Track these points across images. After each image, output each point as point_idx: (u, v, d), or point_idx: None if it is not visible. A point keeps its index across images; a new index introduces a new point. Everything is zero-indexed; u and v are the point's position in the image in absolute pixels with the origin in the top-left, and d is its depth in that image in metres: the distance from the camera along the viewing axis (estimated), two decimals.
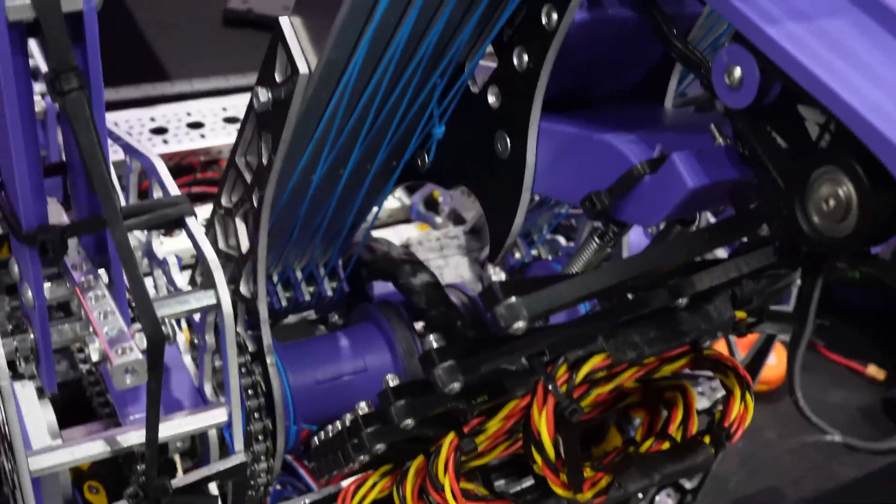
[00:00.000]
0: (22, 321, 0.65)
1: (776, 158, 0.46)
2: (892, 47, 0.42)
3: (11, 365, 0.69)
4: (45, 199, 0.56)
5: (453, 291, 0.83)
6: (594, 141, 0.55)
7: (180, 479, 0.66)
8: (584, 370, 0.56)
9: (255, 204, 0.67)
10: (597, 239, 0.57)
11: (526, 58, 0.56)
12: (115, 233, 0.51)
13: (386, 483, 0.69)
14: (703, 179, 0.50)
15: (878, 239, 0.43)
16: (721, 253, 0.64)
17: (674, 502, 1.02)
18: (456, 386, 0.55)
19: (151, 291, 0.80)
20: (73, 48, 0.50)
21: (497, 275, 0.54)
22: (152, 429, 0.59)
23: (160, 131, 1.24)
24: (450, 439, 0.63)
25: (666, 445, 0.67)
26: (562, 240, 0.91)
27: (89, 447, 0.64)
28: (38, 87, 1.07)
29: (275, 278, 0.79)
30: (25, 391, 0.68)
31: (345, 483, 0.71)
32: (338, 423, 0.66)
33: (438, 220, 1.14)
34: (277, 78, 0.60)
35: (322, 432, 0.67)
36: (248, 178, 0.68)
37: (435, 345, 0.55)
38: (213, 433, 0.71)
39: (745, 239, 0.53)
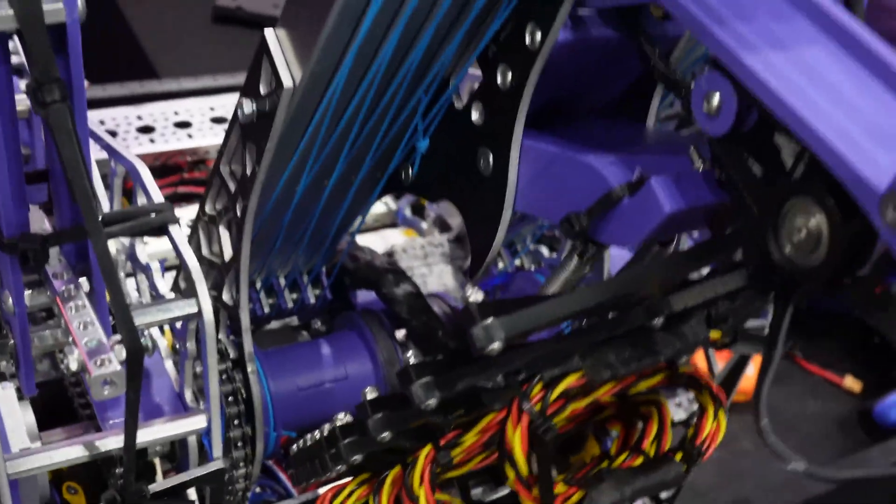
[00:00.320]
0: (3, 325, 0.66)
1: (751, 185, 0.47)
2: (863, 79, 0.43)
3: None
4: (26, 208, 0.56)
5: (435, 301, 0.84)
6: (575, 161, 0.55)
7: (158, 485, 0.66)
8: (559, 389, 0.56)
9: (239, 213, 0.68)
10: (576, 257, 0.58)
11: (509, 75, 0.57)
12: (96, 245, 0.51)
13: (363, 492, 0.70)
14: (680, 204, 0.50)
15: (848, 270, 0.44)
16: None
17: None
18: (432, 402, 0.56)
19: (134, 296, 0.80)
20: (56, 59, 0.50)
21: (474, 294, 0.54)
22: (130, 437, 0.59)
23: (147, 130, 1.24)
24: (426, 452, 0.63)
25: (640, 460, 0.68)
26: (545, 250, 0.92)
27: (67, 451, 0.64)
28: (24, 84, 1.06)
29: (258, 285, 0.79)
30: (5, 392, 0.68)
31: (322, 490, 0.71)
32: (316, 433, 0.66)
33: (424, 225, 1.14)
34: (262, 90, 0.60)
35: (301, 441, 0.68)
36: (231, 187, 0.68)
37: (412, 360, 0.56)
38: (192, 438, 0.71)
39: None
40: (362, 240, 1.11)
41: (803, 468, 0.51)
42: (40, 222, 0.60)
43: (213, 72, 1.37)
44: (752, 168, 0.47)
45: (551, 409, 0.62)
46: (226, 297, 0.73)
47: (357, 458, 0.64)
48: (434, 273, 0.97)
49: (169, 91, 1.33)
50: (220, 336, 0.75)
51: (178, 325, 0.69)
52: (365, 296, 0.86)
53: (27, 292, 0.59)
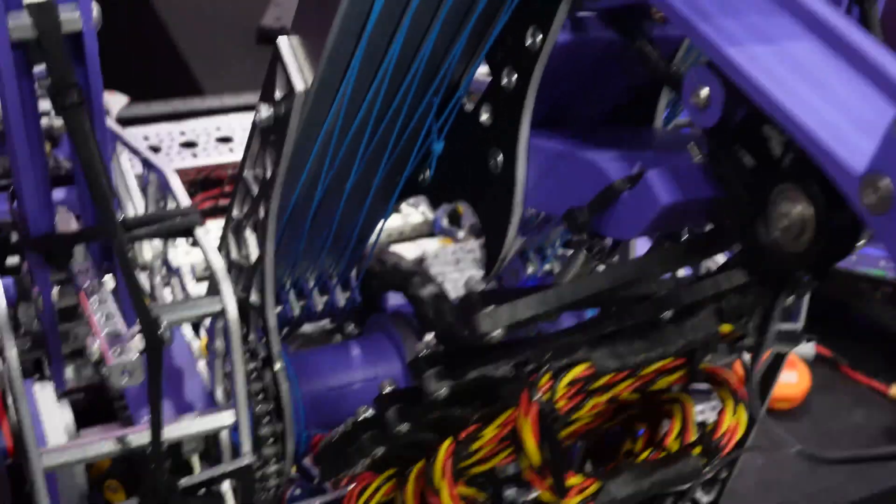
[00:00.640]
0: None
1: (742, 176, 0.47)
2: (845, 72, 0.43)
3: (38, 365, 0.73)
4: (52, 209, 0.59)
5: None
6: (577, 158, 0.56)
7: (188, 479, 0.68)
8: (567, 379, 0.57)
9: (262, 215, 0.70)
10: (584, 251, 0.59)
11: (514, 77, 0.58)
12: (115, 240, 0.53)
13: (389, 487, 0.71)
14: (676, 196, 0.51)
15: (835, 255, 0.45)
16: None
17: None
18: (443, 392, 0.57)
19: (168, 298, 0.83)
20: (74, 65, 0.53)
21: (478, 285, 0.56)
22: (156, 427, 0.61)
23: (190, 145, 1.28)
24: (446, 445, 0.65)
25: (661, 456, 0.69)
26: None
27: (100, 445, 0.66)
28: None
29: (288, 287, 0.81)
30: (45, 392, 0.71)
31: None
32: (340, 427, 0.68)
33: (461, 234, 1.16)
34: (277, 95, 0.63)
35: (327, 436, 0.70)
36: (254, 190, 0.70)
37: (424, 351, 0.57)
38: (224, 436, 0.73)
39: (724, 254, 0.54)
40: (399, 249, 1.14)
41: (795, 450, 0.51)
42: (68, 223, 0.62)
43: (254, 89, 1.40)
44: (743, 159, 0.48)
45: (571, 404, 0.63)
46: (254, 298, 0.75)
47: (378, 451, 0.65)
48: (465, 278, 0.98)
49: (211, 108, 1.36)
50: (252, 337, 0.77)
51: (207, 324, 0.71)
52: (396, 299, 0.88)
53: (55, 289, 0.62)
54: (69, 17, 0.53)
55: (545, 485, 0.61)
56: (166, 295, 0.84)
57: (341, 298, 0.83)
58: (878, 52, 0.42)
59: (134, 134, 1.30)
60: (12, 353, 0.58)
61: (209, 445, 0.76)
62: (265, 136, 0.67)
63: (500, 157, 0.61)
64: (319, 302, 0.82)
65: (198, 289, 0.79)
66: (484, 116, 0.62)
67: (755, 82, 0.44)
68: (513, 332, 0.53)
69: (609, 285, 0.51)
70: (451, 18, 0.57)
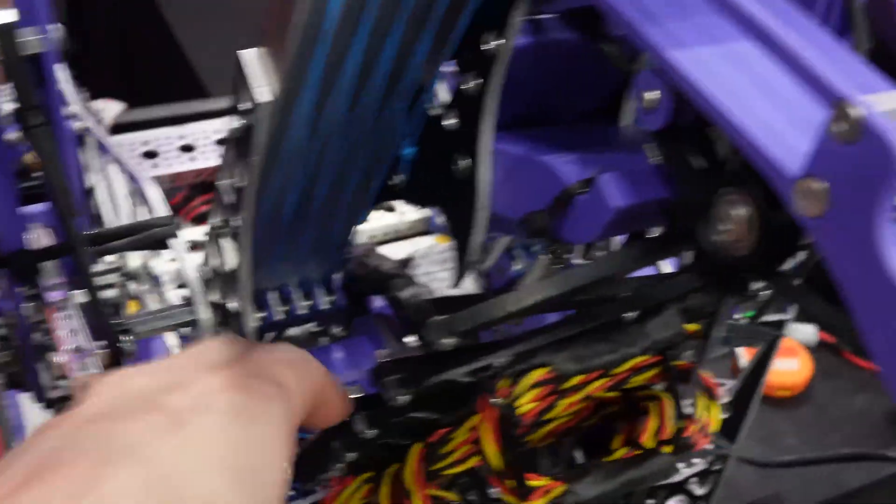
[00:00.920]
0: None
1: (689, 178, 0.47)
2: (785, 76, 0.43)
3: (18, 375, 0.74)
4: (20, 226, 0.60)
5: None
6: (535, 162, 0.57)
7: None
8: (526, 382, 0.57)
9: (237, 225, 0.70)
10: (548, 256, 0.59)
11: (475, 82, 0.58)
12: (76, 256, 0.54)
13: (367, 490, 0.72)
14: (629, 199, 0.51)
15: (779, 257, 0.45)
16: None
17: None
18: (404, 398, 0.57)
19: (153, 307, 0.84)
20: (36, 86, 0.54)
21: (427, 293, 0.56)
22: None
23: (188, 149, 1.29)
24: (417, 449, 0.65)
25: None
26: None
27: None
28: (64, 110, 1.12)
29: (271, 292, 0.82)
30: (26, 401, 0.72)
31: None
32: (313, 434, 0.68)
33: None
34: (244, 106, 0.63)
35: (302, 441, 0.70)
36: (230, 199, 0.71)
37: (384, 357, 0.58)
38: None
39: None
40: (395, 247, 1.14)
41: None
42: (41, 239, 0.63)
43: None
44: (691, 160, 0.48)
45: (542, 405, 0.63)
46: (231, 305, 0.76)
47: (351, 455, 0.66)
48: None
49: (210, 110, 1.37)
50: None
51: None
52: (382, 301, 0.88)
53: (27, 304, 0.62)
54: (30, 40, 0.53)
55: (507, 488, 0.61)
56: (151, 303, 0.85)
57: (324, 302, 0.83)
58: (813, 51, 0.41)
59: (132, 139, 1.31)
60: None
61: None
62: (236, 147, 0.67)
63: (465, 162, 0.61)
64: (302, 306, 0.83)
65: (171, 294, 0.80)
66: (450, 121, 0.62)
67: (696, 85, 0.44)
68: (471, 338, 0.53)
69: (563, 290, 0.51)
70: (410, 22, 0.58)
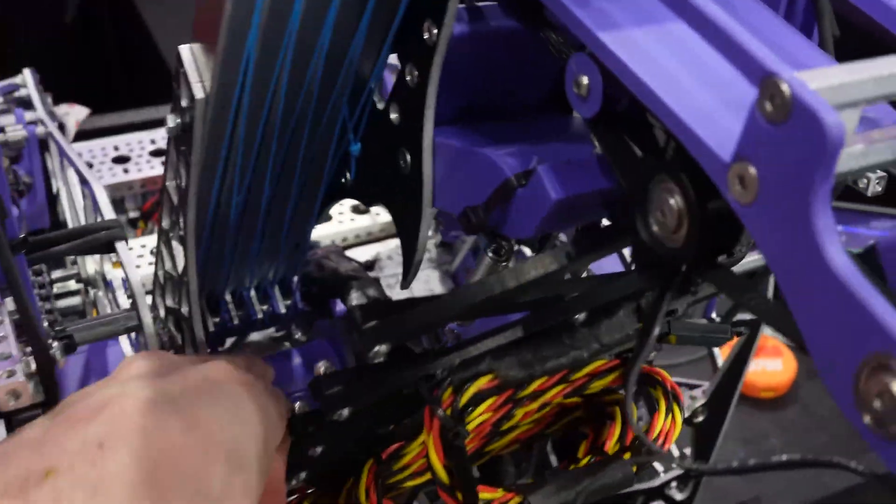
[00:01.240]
0: None
1: (627, 167, 0.45)
2: (717, 57, 0.41)
3: None
4: None
5: None
6: (476, 155, 0.54)
7: None
8: (469, 392, 0.55)
9: (182, 227, 0.68)
10: (491, 254, 0.56)
11: (416, 73, 0.56)
12: (2, 261, 0.52)
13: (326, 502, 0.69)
14: (569, 190, 0.49)
15: (717, 249, 0.42)
16: None
17: None
18: (344, 413, 0.55)
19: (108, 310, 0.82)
20: None
21: (359, 299, 0.54)
22: None
23: (160, 153, 1.27)
24: (368, 465, 0.63)
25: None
26: (527, 251, 0.90)
27: None
28: (29, 115, 1.10)
29: (227, 296, 0.80)
30: None
31: None
32: None
33: (430, 232, 1.14)
34: (183, 103, 0.61)
35: None
36: (175, 200, 0.69)
37: (322, 370, 0.55)
38: None
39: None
40: (368, 249, 1.12)
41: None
42: None
43: None
44: (629, 148, 0.45)
45: (500, 413, 0.60)
46: (184, 310, 0.73)
47: (302, 474, 0.64)
48: (420, 279, 0.96)
49: None
50: (188, 350, 0.76)
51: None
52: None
53: None
54: None
55: (455, 502, 0.58)
56: (106, 309, 0.82)
57: (282, 305, 0.81)
58: (745, 27, 0.39)
59: (103, 144, 1.29)
60: None
61: None
62: (177, 146, 0.65)
63: (409, 157, 0.59)
64: (259, 310, 0.80)
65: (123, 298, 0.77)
66: (393, 115, 0.60)
67: (626, 67, 0.42)
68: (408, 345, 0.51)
69: (500, 290, 0.49)
70: (344, 10, 0.55)
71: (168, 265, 0.76)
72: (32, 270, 0.84)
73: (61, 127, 1.04)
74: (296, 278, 0.81)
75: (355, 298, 0.74)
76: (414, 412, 0.60)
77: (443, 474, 0.57)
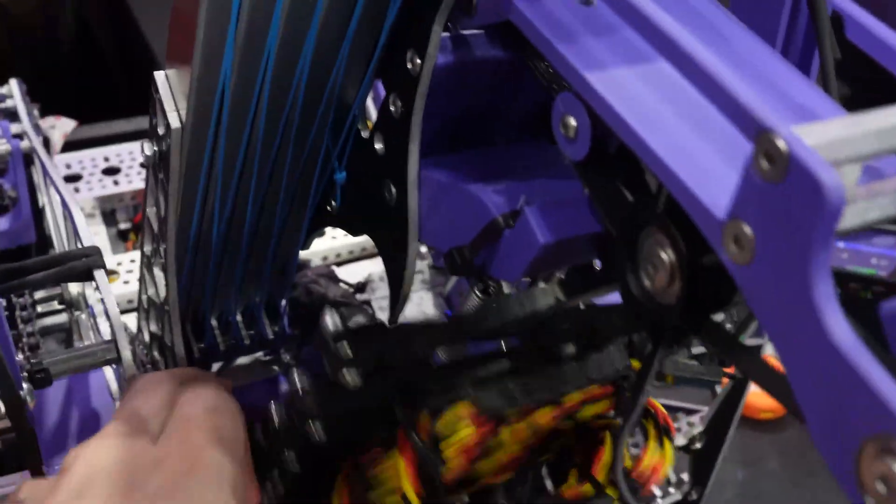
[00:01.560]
0: None
1: (616, 214, 0.43)
2: (709, 109, 0.38)
3: None
4: None
5: None
6: (461, 191, 0.52)
7: None
8: (446, 418, 0.53)
9: (162, 255, 0.66)
10: (478, 293, 0.54)
11: (399, 103, 0.54)
12: None
13: None
14: (557, 234, 0.47)
15: (711, 306, 0.40)
16: None
17: None
18: (318, 430, 0.53)
19: (91, 338, 0.80)
20: None
21: (333, 320, 0.52)
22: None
23: None
24: (342, 473, 0.61)
25: (587, 487, 0.64)
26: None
27: None
28: (15, 127, 1.08)
29: (214, 322, 0.77)
30: None
31: None
32: None
33: (423, 248, 1.11)
34: (160, 131, 0.59)
35: None
36: (155, 228, 0.67)
37: (298, 385, 0.54)
38: None
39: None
40: (360, 266, 1.10)
41: None
42: None
43: None
44: (618, 194, 0.43)
45: (482, 433, 0.58)
46: (167, 338, 0.71)
47: (280, 488, 0.62)
48: (413, 300, 0.94)
49: None
50: None
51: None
52: None
53: None
54: None
55: None
56: (89, 332, 0.80)
57: (270, 331, 0.79)
58: (738, 72, 0.37)
59: (93, 155, 1.27)
60: None
61: None
62: (155, 174, 0.63)
63: (394, 189, 0.57)
64: (246, 336, 0.78)
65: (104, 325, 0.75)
66: (378, 145, 0.58)
67: (616, 112, 0.39)
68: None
69: (484, 328, 0.47)
70: (323, 40, 0.53)
71: (151, 291, 0.74)
72: (13, 294, 0.82)
73: (46, 141, 1.02)
74: (284, 302, 0.79)
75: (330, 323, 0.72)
76: (391, 424, 0.58)
77: (415, 500, 0.55)
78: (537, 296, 0.46)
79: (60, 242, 0.96)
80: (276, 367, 0.88)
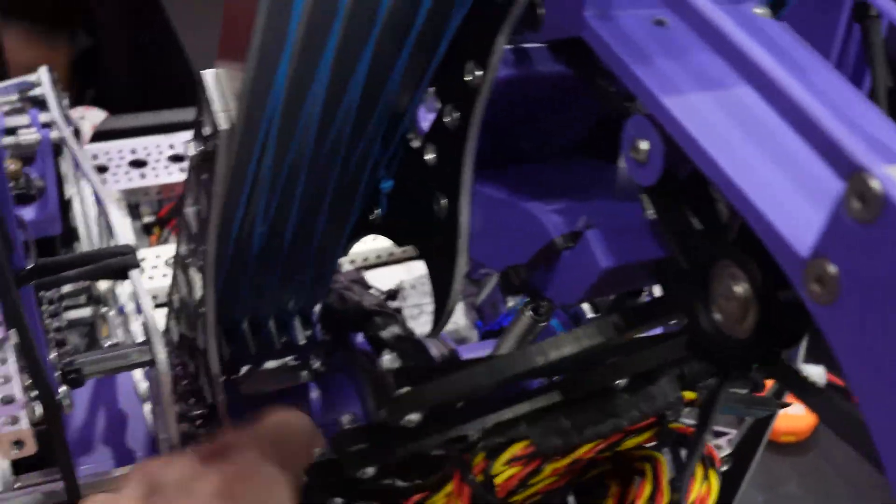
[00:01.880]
0: None
1: (685, 242, 0.42)
2: (793, 140, 0.37)
3: None
4: None
5: (434, 343, 0.80)
6: (518, 209, 0.51)
7: None
8: (503, 458, 0.52)
9: (201, 258, 0.65)
10: (530, 313, 0.53)
11: (456, 115, 0.53)
12: (3, 294, 0.49)
13: None
14: (619, 259, 0.45)
15: (786, 342, 0.39)
16: None
17: None
18: (369, 471, 0.52)
19: (118, 333, 0.79)
20: None
21: (391, 360, 0.51)
22: (72, 491, 0.57)
23: (178, 159, 1.24)
24: None
25: None
26: None
27: (22, 500, 0.62)
28: (44, 116, 1.07)
29: (245, 325, 0.76)
30: None
31: None
32: None
33: None
34: (205, 132, 0.58)
35: None
36: (194, 228, 0.66)
37: (347, 424, 0.52)
38: None
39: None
40: (389, 271, 1.09)
41: None
42: None
43: None
44: (688, 221, 0.42)
45: (527, 470, 0.57)
46: (199, 341, 0.70)
47: None
48: None
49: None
50: (203, 380, 0.73)
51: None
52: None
53: None
54: None
55: None
56: (117, 330, 0.80)
57: (301, 336, 0.78)
58: (825, 104, 0.35)
59: (120, 146, 1.26)
60: None
61: None
62: (198, 174, 0.62)
63: (445, 202, 0.56)
64: (278, 340, 0.77)
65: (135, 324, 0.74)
66: (429, 156, 0.57)
67: (694, 140, 0.38)
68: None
69: (545, 363, 0.45)
70: (381, 51, 0.52)
71: (184, 292, 0.73)
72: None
73: (77, 133, 1.01)
74: (316, 307, 0.78)
75: (388, 361, 0.70)
76: (439, 467, 0.57)
77: None
78: (594, 331, 0.45)
79: (88, 236, 0.95)
80: (304, 373, 0.87)
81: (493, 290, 0.92)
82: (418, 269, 1.09)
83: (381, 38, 0.51)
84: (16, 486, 0.66)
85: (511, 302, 0.87)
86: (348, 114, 0.55)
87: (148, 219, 1.25)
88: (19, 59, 1.61)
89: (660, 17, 0.44)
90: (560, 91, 0.53)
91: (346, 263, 1.04)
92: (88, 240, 0.93)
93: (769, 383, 0.83)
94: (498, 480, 0.55)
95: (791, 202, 0.36)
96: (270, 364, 0.85)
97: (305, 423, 0.58)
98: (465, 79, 0.51)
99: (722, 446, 0.92)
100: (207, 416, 0.72)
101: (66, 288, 0.87)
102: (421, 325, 0.95)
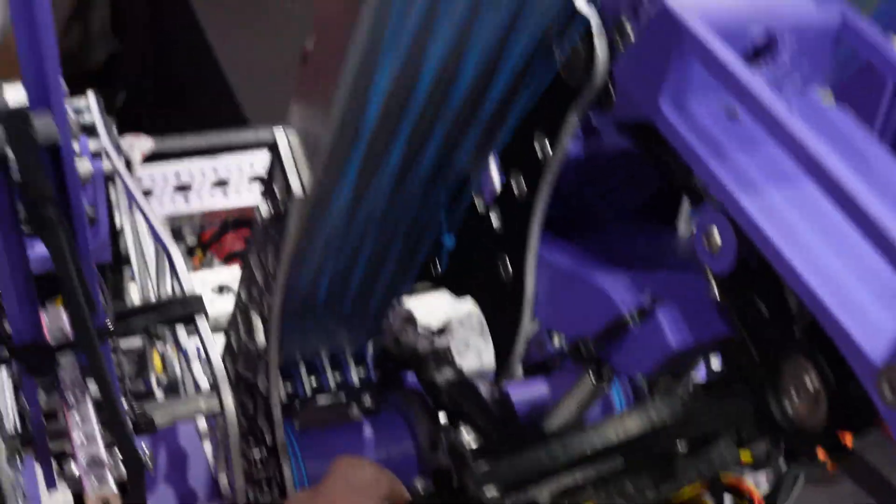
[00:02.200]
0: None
1: (755, 330, 0.43)
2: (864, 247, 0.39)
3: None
4: (36, 316, 0.56)
5: (485, 384, 0.81)
6: (586, 282, 0.53)
7: None
8: None
9: (266, 308, 0.67)
10: (593, 378, 0.55)
11: (524, 185, 0.55)
12: (90, 358, 0.51)
13: None
14: (688, 338, 0.47)
15: (855, 429, 0.40)
16: None
17: None
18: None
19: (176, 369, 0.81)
20: (49, 177, 0.50)
21: (467, 434, 0.52)
22: None
23: (222, 183, 1.25)
24: None
25: None
26: None
27: None
28: (93, 143, 1.08)
29: (300, 364, 0.78)
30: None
31: None
32: None
33: None
34: (276, 193, 0.59)
35: None
36: (259, 279, 0.67)
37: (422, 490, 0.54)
38: None
39: None
40: (431, 300, 1.10)
41: None
42: (58, 321, 0.60)
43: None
44: (757, 309, 0.44)
45: None
46: (260, 384, 0.72)
47: None
48: (489, 347, 0.94)
49: (246, 142, 1.33)
50: (261, 421, 0.75)
51: None
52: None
53: (43, 395, 0.59)
54: (45, 129, 0.49)
55: None
56: (175, 367, 0.81)
57: (355, 376, 0.79)
58: (888, 212, 0.37)
59: (164, 171, 1.28)
60: None
61: None
62: (267, 230, 0.63)
63: (510, 267, 0.57)
64: (332, 379, 0.79)
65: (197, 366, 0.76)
66: (495, 221, 0.58)
67: (768, 238, 0.40)
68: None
69: (620, 440, 0.47)
70: (456, 123, 0.54)
71: (244, 335, 0.75)
72: None
73: (128, 163, 1.03)
74: (371, 348, 0.80)
75: (465, 433, 0.72)
76: None
77: None
78: (663, 408, 0.47)
79: (138, 263, 0.97)
80: (355, 411, 0.89)
81: (540, 329, 0.94)
82: (466, 309, 1.10)
83: (455, 118, 0.53)
84: None
85: (557, 341, 0.88)
86: (419, 183, 0.57)
87: (190, 241, 1.27)
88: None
89: (731, 105, 0.45)
90: (624, 164, 0.55)
91: None
92: (142, 272, 0.95)
93: None
94: None
95: (862, 305, 0.38)
96: (322, 399, 0.87)
97: (373, 470, 0.60)
98: (534, 150, 0.53)
99: (760, 483, 0.93)
100: (265, 459, 0.74)
101: None
102: (468, 360, 0.96)
